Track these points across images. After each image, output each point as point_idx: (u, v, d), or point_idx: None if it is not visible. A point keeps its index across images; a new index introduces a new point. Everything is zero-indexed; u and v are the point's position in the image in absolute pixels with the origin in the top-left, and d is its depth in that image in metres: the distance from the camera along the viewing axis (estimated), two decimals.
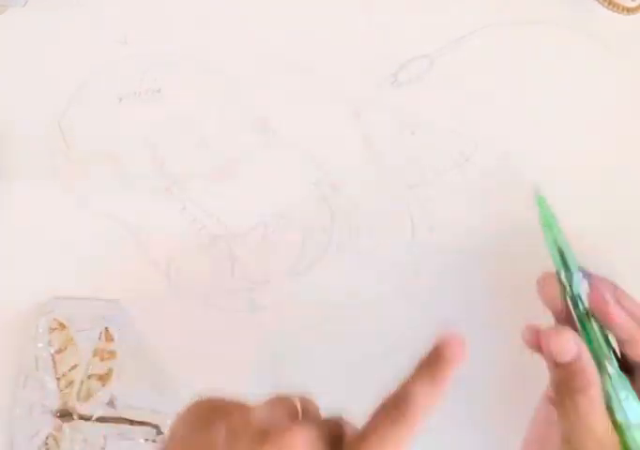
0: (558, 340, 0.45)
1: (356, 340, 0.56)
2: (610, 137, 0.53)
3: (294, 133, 0.56)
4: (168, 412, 0.55)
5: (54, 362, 0.56)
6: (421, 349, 0.56)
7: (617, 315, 0.46)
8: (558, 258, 0.48)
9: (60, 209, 0.56)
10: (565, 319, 0.47)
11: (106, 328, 0.56)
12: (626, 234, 0.55)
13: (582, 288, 0.47)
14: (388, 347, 0.56)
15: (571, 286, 0.47)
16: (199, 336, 0.56)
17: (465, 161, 0.55)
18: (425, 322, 0.55)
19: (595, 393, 0.44)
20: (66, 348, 0.56)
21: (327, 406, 0.44)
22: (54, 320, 0.56)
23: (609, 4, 0.53)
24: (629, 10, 0.53)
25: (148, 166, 0.56)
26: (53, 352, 0.56)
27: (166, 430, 0.55)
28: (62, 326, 0.56)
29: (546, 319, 0.50)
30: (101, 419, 0.56)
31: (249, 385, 0.56)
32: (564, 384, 0.45)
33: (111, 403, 0.56)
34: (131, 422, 0.56)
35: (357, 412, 0.41)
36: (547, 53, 0.55)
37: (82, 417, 0.56)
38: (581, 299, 0.46)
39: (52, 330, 0.56)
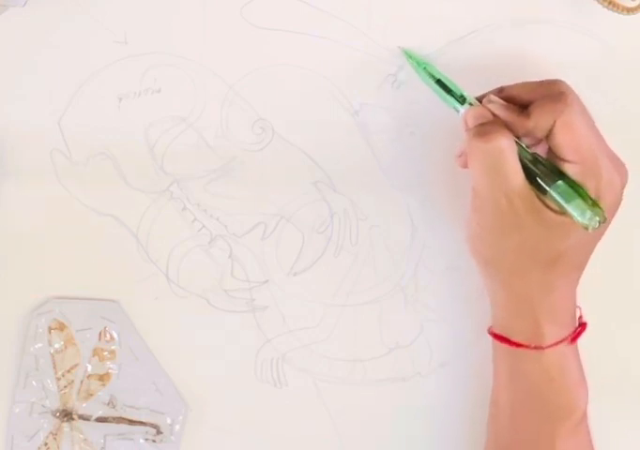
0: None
1: (355, 340, 0.56)
2: (609, 137, 0.53)
3: (294, 133, 0.56)
4: (168, 412, 0.56)
5: (54, 362, 0.56)
6: (421, 348, 0.56)
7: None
8: (443, 91, 0.51)
9: (60, 209, 0.56)
10: None
11: (106, 328, 0.56)
12: None
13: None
14: (389, 346, 0.56)
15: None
16: (199, 336, 0.56)
17: None
18: (425, 321, 0.55)
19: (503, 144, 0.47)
20: (66, 348, 0.56)
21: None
22: (54, 320, 0.56)
23: (609, 4, 0.53)
24: (629, 10, 0.53)
25: (148, 166, 0.56)
26: (52, 352, 0.56)
27: (166, 430, 0.55)
28: (62, 326, 0.56)
29: None
30: (101, 419, 0.56)
31: (249, 385, 0.56)
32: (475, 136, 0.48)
33: (111, 403, 0.56)
34: (131, 422, 0.56)
35: None
36: (547, 53, 0.55)
37: (82, 417, 0.56)
38: None
39: (51, 330, 0.56)
